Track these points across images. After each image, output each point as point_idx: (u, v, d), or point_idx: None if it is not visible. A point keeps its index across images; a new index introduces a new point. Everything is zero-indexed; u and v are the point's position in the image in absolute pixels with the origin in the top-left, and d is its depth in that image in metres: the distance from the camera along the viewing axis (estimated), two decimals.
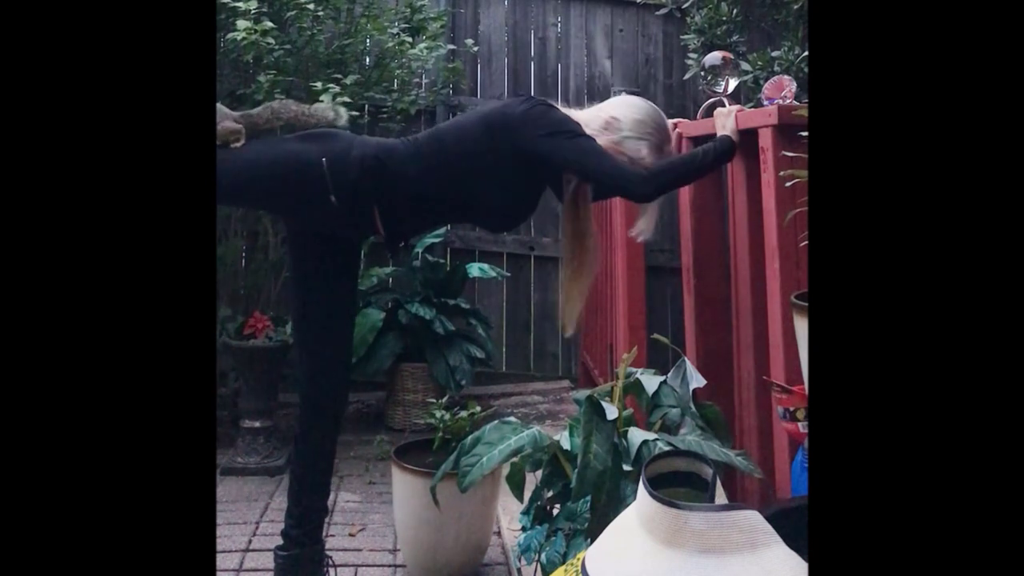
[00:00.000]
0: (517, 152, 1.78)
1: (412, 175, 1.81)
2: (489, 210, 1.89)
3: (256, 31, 2.73)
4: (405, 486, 2.18)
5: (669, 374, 1.82)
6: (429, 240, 3.64)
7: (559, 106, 1.87)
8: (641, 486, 0.98)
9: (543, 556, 1.64)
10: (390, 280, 3.80)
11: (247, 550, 2.33)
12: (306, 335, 1.95)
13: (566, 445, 1.72)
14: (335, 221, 1.83)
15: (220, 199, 2.05)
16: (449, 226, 4.01)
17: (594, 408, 1.61)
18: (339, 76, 3.02)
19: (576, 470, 1.55)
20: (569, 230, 1.96)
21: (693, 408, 1.74)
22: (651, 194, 1.83)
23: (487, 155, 1.80)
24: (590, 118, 1.87)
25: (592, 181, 1.85)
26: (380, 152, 1.82)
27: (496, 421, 1.78)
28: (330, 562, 2.03)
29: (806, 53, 2.75)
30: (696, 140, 2.25)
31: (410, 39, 3.36)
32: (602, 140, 1.82)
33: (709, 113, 2.15)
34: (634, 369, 1.84)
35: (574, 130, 1.78)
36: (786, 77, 2.10)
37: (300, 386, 1.98)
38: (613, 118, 1.86)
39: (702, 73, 2.32)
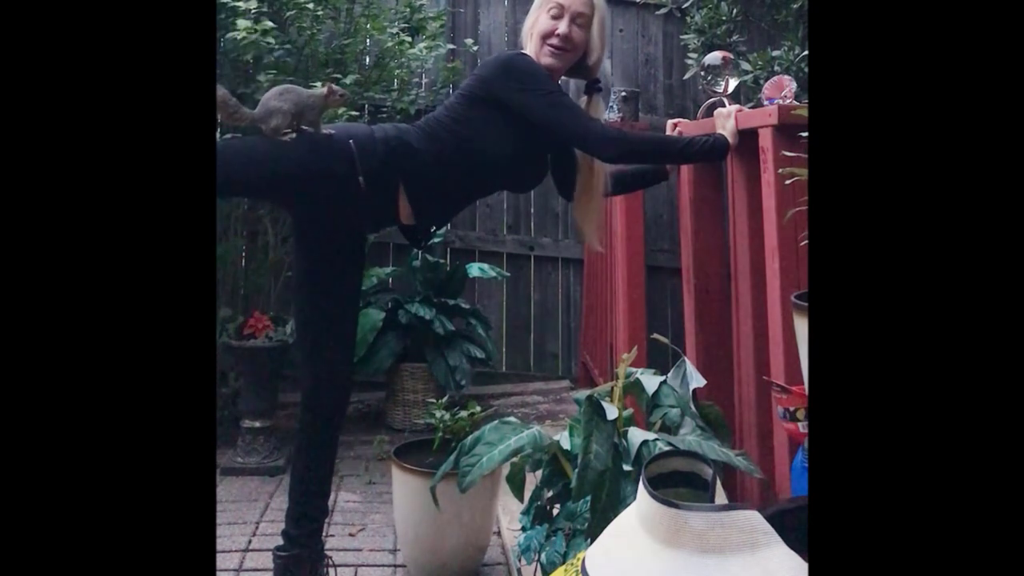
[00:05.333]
0: (499, 103, 1.84)
1: (429, 155, 1.85)
2: (504, 170, 1.92)
3: (256, 31, 2.72)
4: (405, 486, 2.18)
5: (669, 374, 1.82)
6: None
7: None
8: (641, 486, 0.98)
9: (543, 556, 1.64)
10: (390, 280, 3.80)
11: (247, 550, 2.33)
12: (309, 334, 1.95)
13: (566, 445, 1.72)
14: (358, 207, 1.84)
15: (243, 191, 2.04)
16: (449, 225, 4.01)
17: (594, 408, 1.61)
18: (339, 76, 3.02)
19: (576, 470, 1.55)
20: (582, 168, 2.03)
21: (693, 408, 1.74)
22: (615, 155, 1.91)
23: (478, 115, 1.85)
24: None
25: (560, 136, 1.91)
26: (401, 133, 1.86)
27: (496, 421, 1.78)
28: (330, 562, 2.03)
29: (806, 53, 2.75)
30: None
31: (409, 39, 3.36)
32: (533, 11, 1.95)
33: (709, 113, 2.15)
34: (634, 369, 1.84)
35: (545, 87, 1.85)
36: (786, 77, 2.11)
37: (302, 385, 1.97)
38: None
39: (702, 73, 2.32)
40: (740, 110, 2.00)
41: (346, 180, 1.79)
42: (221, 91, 1.84)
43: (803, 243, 1.45)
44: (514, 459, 1.78)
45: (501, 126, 1.86)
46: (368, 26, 3.27)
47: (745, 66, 2.92)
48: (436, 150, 1.86)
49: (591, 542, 1.14)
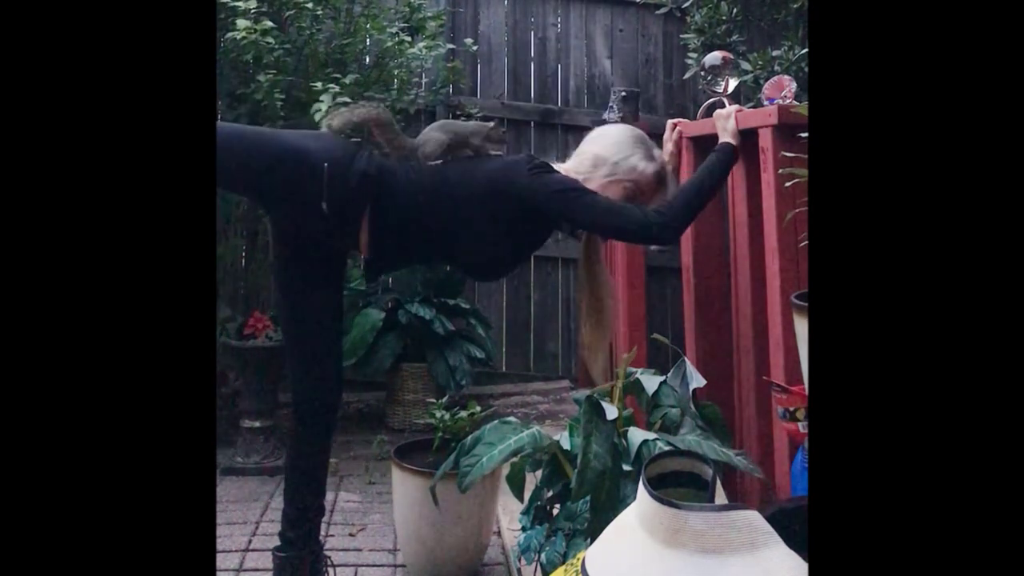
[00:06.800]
0: (523, 210, 1.79)
1: (408, 201, 1.81)
2: (476, 258, 1.89)
3: (256, 31, 2.72)
4: (405, 486, 2.17)
5: (669, 374, 1.82)
6: None
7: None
8: (641, 486, 0.98)
9: (543, 556, 1.64)
10: (390, 280, 3.79)
11: (247, 550, 2.33)
12: (293, 340, 1.94)
13: (566, 445, 1.72)
14: (322, 228, 1.81)
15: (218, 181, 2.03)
16: None
17: (594, 408, 1.61)
18: (338, 76, 3.02)
19: (576, 470, 1.55)
20: (587, 287, 1.98)
21: (693, 408, 1.74)
22: (675, 235, 1.85)
23: (490, 209, 1.80)
24: (578, 164, 1.89)
25: (611, 235, 1.87)
26: (382, 171, 1.82)
27: (496, 421, 1.78)
28: (330, 562, 2.03)
29: (806, 52, 2.75)
30: (696, 140, 2.25)
31: (409, 39, 3.36)
32: (597, 178, 1.85)
33: (709, 113, 2.15)
34: (634, 369, 1.84)
35: (581, 187, 1.79)
36: (786, 77, 2.11)
37: (292, 389, 1.97)
38: (596, 155, 1.87)
39: (702, 73, 2.32)
40: (740, 110, 2.00)
41: (310, 201, 1.76)
42: (387, 113, 1.91)
43: (803, 243, 1.45)
44: (514, 459, 1.78)
45: (499, 221, 1.80)
46: (368, 26, 3.27)
47: (745, 66, 2.92)
48: (415, 199, 1.81)
49: (591, 542, 1.14)
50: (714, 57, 2.29)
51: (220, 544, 2.32)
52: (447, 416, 2.27)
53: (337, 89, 2.82)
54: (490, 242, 1.83)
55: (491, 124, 1.92)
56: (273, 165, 1.79)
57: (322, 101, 2.76)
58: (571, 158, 1.94)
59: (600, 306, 1.97)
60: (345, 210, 1.78)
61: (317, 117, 2.72)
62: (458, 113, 3.98)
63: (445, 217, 1.82)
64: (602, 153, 1.88)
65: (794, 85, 2.04)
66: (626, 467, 1.59)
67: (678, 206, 1.83)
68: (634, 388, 1.79)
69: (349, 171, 1.78)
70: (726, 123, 1.97)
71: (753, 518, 0.93)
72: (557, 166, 1.89)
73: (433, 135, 1.87)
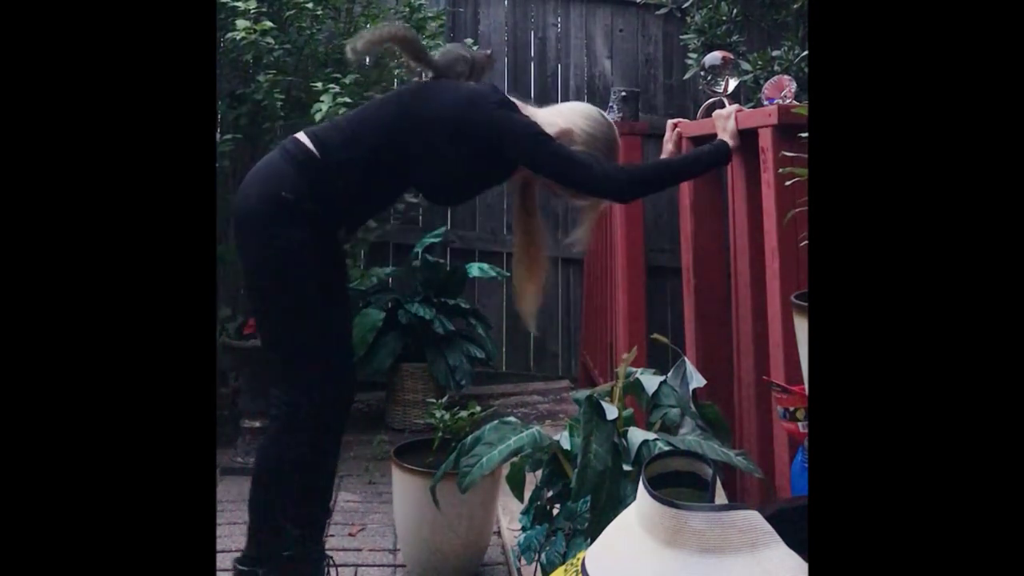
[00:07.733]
0: (484, 143, 1.81)
1: (343, 145, 1.83)
2: (431, 179, 1.91)
3: (256, 31, 2.73)
4: (405, 486, 2.17)
5: (669, 374, 1.82)
6: (429, 240, 3.64)
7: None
8: (641, 486, 0.98)
9: (543, 556, 1.64)
10: (390, 280, 3.79)
11: None
12: (306, 340, 1.94)
13: (566, 445, 1.72)
14: (325, 223, 1.85)
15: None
16: (449, 225, 4.01)
17: (594, 408, 1.61)
18: (338, 76, 3.02)
19: (576, 470, 1.55)
20: (521, 230, 2.05)
21: (693, 408, 1.74)
22: (625, 197, 1.92)
23: (450, 133, 1.82)
24: (545, 123, 1.88)
25: (570, 186, 1.88)
26: (307, 138, 1.84)
27: (496, 421, 1.78)
28: (330, 562, 2.03)
29: (806, 53, 2.75)
30: (696, 140, 2.25)
31: None
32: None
33: (709, 113, 2.15)
34: (634, 369, 1.84)
35: (543, 133, 1.81)
36: (786, 77, 2.11)
37: (307, 389, 1.96)
38: (568, 130, 1.88)
39: (702, 73, 2.32)
40: (740, 110, 2.00)
41: (300, 221, 1.80)
42: (410, 31, 1.99)
43: (803, 243, 1.45)
44: (514, 459, 1.78)
45: (461, 154, 1.82)
46: (368, 26, 3.27)
47: (745, 66, 2.92)
48: (354, 139, 1.84)
49: (591, 542, 1.14)
50: (714, 57, 2.29)
51: (220, 544, 2.32)
52: (447, 416, 2.27)
53: (337, 89, 2.82)
54: (447, 165, 1.85)
55: (488, 52, 2.02)
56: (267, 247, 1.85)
57: (322, 101, 2.76)
58: (544, 110, 1.95)
59: (536, 251, 2.04)
60: (315, 190, 1.80)
61: (317, 117, 2.72)
62: None
63: (407, 142, 1.84)
64: (572, 134, 1.88)
65: (794, 85, 2.04)
66: (626, 467, 1.59)
67: (644, 175, 1.89)
68: (634, 388, 1.79)
69: (288, 168, 1.81)
70: (726, 123, 1.97)
71: (753, 518, 0.93)
72: (527, 109, 1.91)
73: (458, 53, 1.98)
